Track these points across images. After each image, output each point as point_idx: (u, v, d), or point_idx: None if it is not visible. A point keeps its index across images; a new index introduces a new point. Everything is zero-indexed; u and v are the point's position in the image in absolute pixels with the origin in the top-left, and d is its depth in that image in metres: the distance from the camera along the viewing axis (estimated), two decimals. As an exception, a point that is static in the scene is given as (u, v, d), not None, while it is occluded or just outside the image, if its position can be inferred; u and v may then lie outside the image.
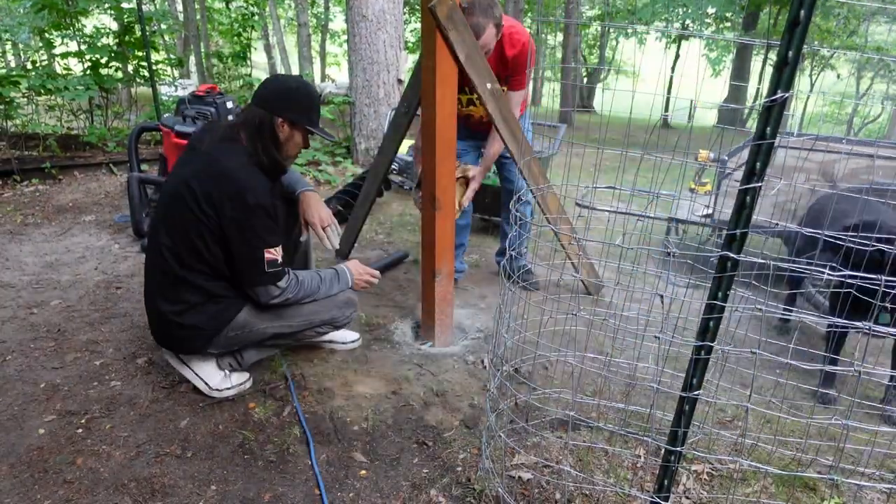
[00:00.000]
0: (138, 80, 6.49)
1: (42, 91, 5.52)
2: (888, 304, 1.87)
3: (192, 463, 1.82)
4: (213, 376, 2.14)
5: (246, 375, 2.22)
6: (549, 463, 1.84)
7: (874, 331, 1.14)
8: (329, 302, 2.20)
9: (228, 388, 2.15)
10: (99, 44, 6.28)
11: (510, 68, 2.72)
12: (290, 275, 2.05)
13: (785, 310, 2.18)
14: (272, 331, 2.14)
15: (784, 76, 1.03)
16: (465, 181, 2.76)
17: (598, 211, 3.93)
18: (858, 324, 1.16)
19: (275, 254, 1.91)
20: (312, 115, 2.00)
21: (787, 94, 1.04)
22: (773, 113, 1.05)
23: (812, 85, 15.78)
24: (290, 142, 2.00)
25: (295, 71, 12.62)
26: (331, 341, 2.50)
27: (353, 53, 5.70)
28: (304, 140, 2.04)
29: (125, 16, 6.27)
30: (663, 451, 1.35)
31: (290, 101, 1.95)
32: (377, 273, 2.32)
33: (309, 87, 2.00)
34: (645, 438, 1.72)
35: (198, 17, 15.40)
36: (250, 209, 1.82)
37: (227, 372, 2.17)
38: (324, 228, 2.21)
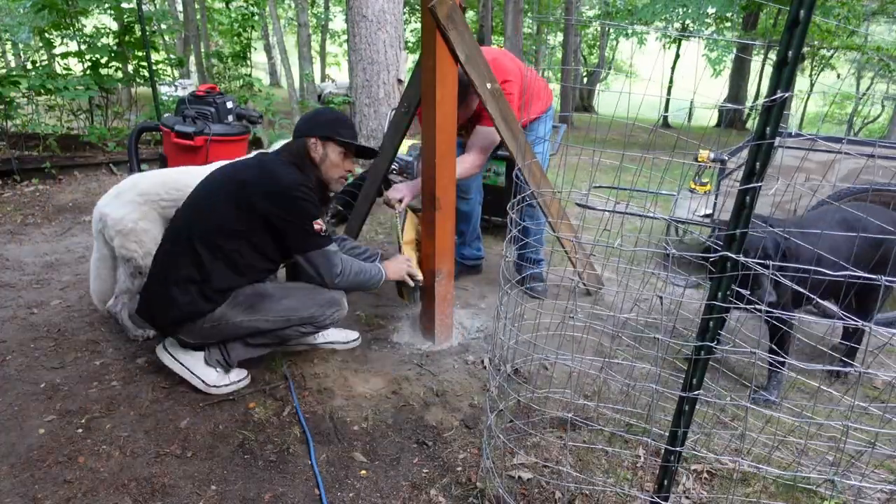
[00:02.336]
0: (138, 80, 6.49)
1: (42, 91, 5.52)
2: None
3: (192, 463, 1.82)
4: (207, 374, 2.14)
5: (244, 373, 2.22)
6: (548, 463, 1.85)
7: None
8: (309, 300, 2.14)
9: (226, 385, 2.16)
10: (99, 44, 6.28)
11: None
12: (336, 248, 2.16)
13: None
14: (248, 324, 2.08)
15: (784, 76, 1.03)
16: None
17: (599, 211, 3.93)
18: (858, 322, 1.16)
19: (320, 224, 2.06)
20: (340, 129, 2.11)
21: (786, 94, 1.04)
22: (772, 113, 1.05)
23: (812, 85, 15.77)
24: (326, 161, 2.13)
25: (295, 71, 12.60)
26: (332, 342, 2.50)
27: (353, 53, 5.70)
28: (341, 158, 2.15)
29: (125, 16, 6.27)
30: (663, 451, 1.35)
31: (315, 120, 2.12)
32: (417, 274, 2.44)
33: (335, 110, 2.17)
34: (644, 439, 1.73)
35: (198, 17, 15.40)
36: (295, 199, 1.99)
37: (219, 370, 2.16)
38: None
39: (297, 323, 2.13)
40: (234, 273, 2.04)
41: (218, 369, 2.16)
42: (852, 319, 1.19)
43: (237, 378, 2.19)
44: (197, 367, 2.14)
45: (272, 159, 2.10)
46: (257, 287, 2.12)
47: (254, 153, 2.37)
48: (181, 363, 2.14)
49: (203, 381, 2.13)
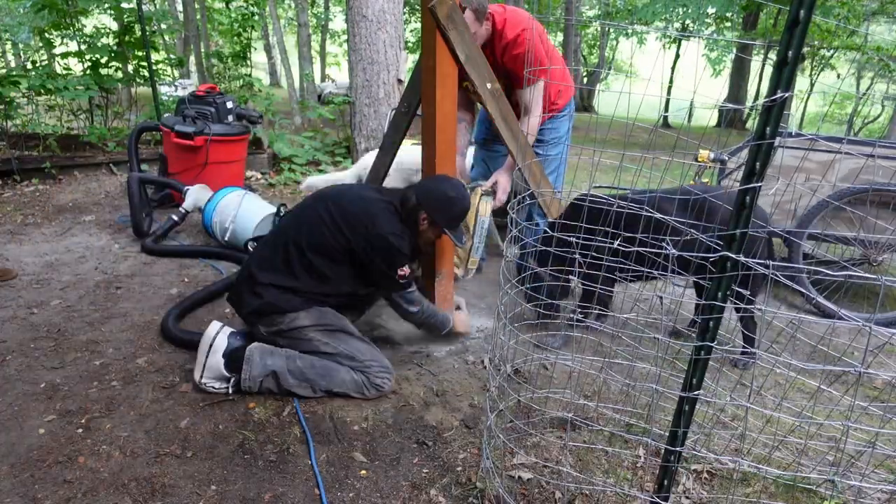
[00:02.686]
0: (138, 80, 6.49)
1: (42, 91, 5.52)
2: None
3: (192, 463, 1.83)
4: (212, 378, 2.14)
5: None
6: (548, 463, 1.85)
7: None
8: (376, 353, 2.23)
9: (216, 389, 2.16)
10: (99, 44, 6.28)
11: (508, 60, 2.66)
12: (417, 293, 2.34)
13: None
14: (318, 344, 2.17)
15: (784, 76, 1.03)
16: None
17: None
18: (858, 321, 1.16)
19: (404, 271, 2.19)
20: (453, 224, 2.28)
21: (786, 94, 1.04)
22: (772, 113, 1.05)
23: (812, 85, 15.76)
24: (424, 234, 2.27)
25: (295, 71, 12.59)
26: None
27: (353, 53, 5.70)
28: (435, 236, 2.33)
29: (125, 16, 6.27)
30: (663, 451, 1.35)
31: (443, 207, 2.22)
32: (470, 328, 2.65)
33: (464, 200, 2.28)
34: (644, 439, 1.72)
35: (198, 17, 15.38)
36: (388, 247, 2.12)
37: (228, 385, 2.17)
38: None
39: (359, 366, 2.18)
40: (318, 283, 2.17)
41: (226, 384, 2.17)
42: (853, 319, 1.19)
43: (230, 385, 2.18)
44: (211, 364, 2.13)
45: (380, 201, 2.21)
46: (344, 321, 2.26)
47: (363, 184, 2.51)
48: (207, 354, 2.14)
49: (202, 378, 2.14)
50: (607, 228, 1.80)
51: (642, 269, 1.69)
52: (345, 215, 2.13)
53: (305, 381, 2.15)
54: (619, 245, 1.58)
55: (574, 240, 1.72)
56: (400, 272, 2.17)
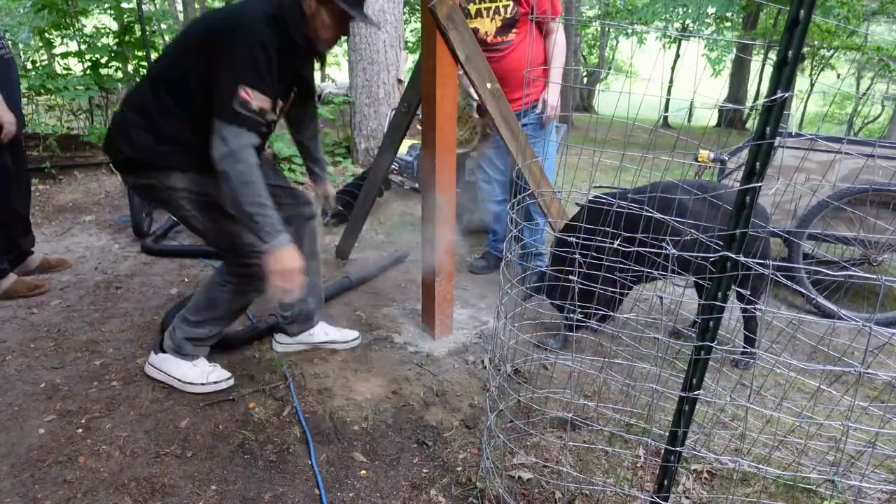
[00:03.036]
0: (138, 80, 6.48)
1: (42, 91, 5.51)
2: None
3: (192, 463, 1.83)
4: (188, 373, 2.16)
5: (227, 374, 2.22)
6: (548, 463, 1.85)
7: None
8: (253, 238, 1.84)
9: (210, 384, 2.17)
10: (99, 44, 6.28)
11: None
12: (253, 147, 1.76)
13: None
14: (185, 212, 1.93)
15: (784, 76, 1.03)
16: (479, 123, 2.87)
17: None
18: (858, 321, 1.16)
19: (249, 96, 1.71)
20: None
21: (786, 94, 1.03)
22: (772, 113, 1.05)
23: (812, 85, 15.77)
24: (316, 18, 1.83)
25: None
26: (332, 342, 2.50)
27: (353, 53, 5.70)
28: (334, 21, 1.85)
29: (125, 16, 6.27)
30: (663, 451, 1.35)
31: None
32: (296, 286, 1.84)
33: None
34: (644, 439, 1.72)
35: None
36: (242, 38, 1.70)
37: (197, 365, 2.18)
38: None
39: (241, 249, 1.91)
40: (193, 126, 1.83)
41: (197, 364, 2.18)
42: (852, 319, 1.19)
43: (218, 378, 2.18)
44: (177, 371, 2.17)
45: (257, 4, 1.79)
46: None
47: None
48: (164, 372, 2.19)
49: (190, 383, 2.16)
50: (611, 229, 1.80)
51: (642, 269, 1.69)
52: (213, 26, 1.80)
53: (206, 321, 2.12)
54: (622, 246, 1.59)
55: (598, 243, 1.71)
56: (242, 92, 1.69)
